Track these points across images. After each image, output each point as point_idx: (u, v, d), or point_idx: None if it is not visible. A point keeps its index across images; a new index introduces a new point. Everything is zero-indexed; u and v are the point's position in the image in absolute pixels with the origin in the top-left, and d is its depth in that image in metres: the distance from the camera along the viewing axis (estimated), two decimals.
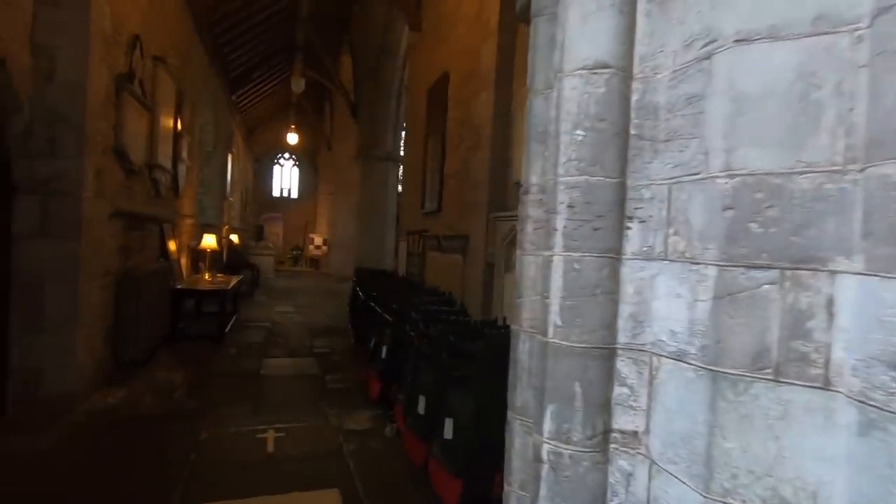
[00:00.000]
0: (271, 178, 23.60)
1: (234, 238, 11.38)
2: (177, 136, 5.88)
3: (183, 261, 6.56)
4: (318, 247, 21.28)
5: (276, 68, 13.01)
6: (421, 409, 2.81)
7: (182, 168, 6.29)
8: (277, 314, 8.17)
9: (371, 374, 4.04)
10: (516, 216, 1.61)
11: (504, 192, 4.20)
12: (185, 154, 6.29)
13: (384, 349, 3.84)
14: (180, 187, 6.20)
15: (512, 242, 3.61)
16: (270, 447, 3.07)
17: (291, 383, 4.44)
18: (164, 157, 5.25)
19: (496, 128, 4.26)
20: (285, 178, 23.90)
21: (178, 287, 5.51)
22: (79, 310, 3.36)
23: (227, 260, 10.36)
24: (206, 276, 6.50)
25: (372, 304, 4.73)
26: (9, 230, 3.14)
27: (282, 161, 23.86)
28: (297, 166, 23.98)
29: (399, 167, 12.55)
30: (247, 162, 16.88)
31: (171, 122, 5.53)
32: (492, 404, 2.00)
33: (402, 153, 10.87)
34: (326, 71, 12.61)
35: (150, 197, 5.05)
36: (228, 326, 6.10)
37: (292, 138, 14.62)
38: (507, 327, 1.96)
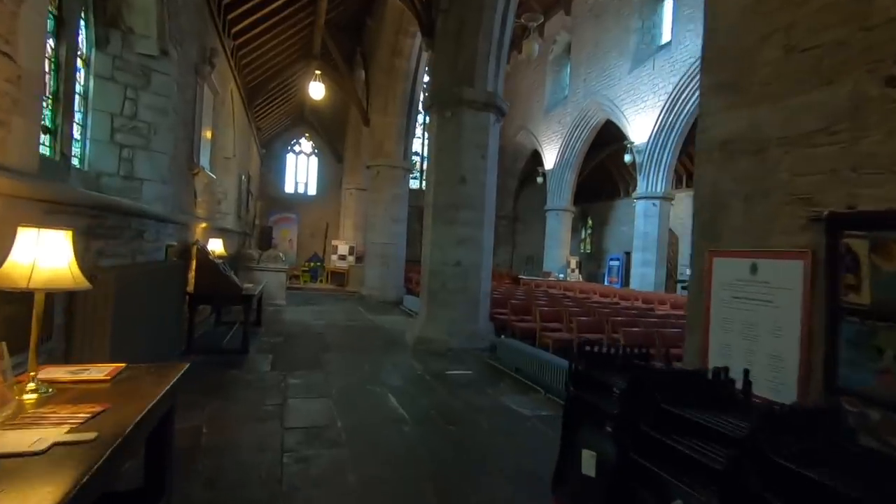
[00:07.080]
0: (283, 169, 18.69)
1: (217, 246, 6.31)
2: None
3: None
4: (342, 257, 16.25)
5: None
6: None
7: None
8: (295, 454, 2.97)
9: None
10: None
11: None
12: None
13: None
14: None
15: None
16: None
17: None
18: None
19: None
20: (301, 172, 19.00)
21: None
22: None
23: (198, 287, 5.29)
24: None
25: None
26: None
27: (297, 148, 18.95)
28: (317, 154, 19.06)
29: (503, 120, 7.45)
30: (250, 136, 11.88)
31: None
32: None
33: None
34: None
35: None
36: None
37: (317, 90, 9.46)
38: None
